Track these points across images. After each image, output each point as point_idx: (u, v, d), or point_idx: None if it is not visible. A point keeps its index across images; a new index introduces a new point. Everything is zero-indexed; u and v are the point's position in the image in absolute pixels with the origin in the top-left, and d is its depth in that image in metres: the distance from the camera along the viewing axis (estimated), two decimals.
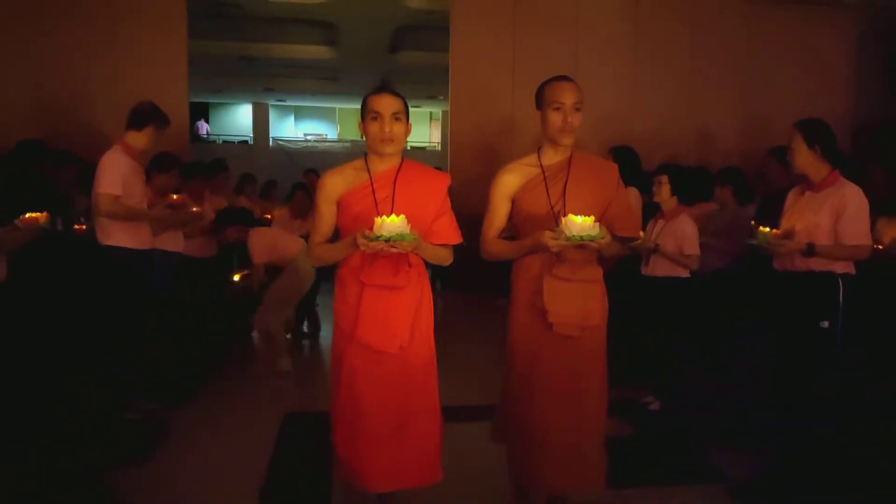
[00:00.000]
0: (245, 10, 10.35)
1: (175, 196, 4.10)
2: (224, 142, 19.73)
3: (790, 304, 2.95)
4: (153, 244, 3.92)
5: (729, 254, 4.18)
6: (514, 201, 2.44)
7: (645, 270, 3.86)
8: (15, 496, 2.73)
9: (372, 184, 2.34)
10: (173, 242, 4.32)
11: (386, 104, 2.29)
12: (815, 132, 2.89)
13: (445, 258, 2.48)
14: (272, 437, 3.46)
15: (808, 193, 2.96)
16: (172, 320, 4.24)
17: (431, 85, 14.60)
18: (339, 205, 2.36)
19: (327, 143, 19.86)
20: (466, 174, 6.64)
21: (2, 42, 6.03)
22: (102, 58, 6.35)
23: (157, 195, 4.12)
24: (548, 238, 2.20)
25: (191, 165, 5.04)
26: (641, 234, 3.68)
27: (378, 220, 2.13)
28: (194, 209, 4.53)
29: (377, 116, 2.29)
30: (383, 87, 2.35)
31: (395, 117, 2.30)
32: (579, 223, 2.15)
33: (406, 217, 2.17)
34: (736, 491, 2.88)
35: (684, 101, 7.66)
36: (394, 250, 2.14)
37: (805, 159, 2.90)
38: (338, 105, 20.63)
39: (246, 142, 19.47)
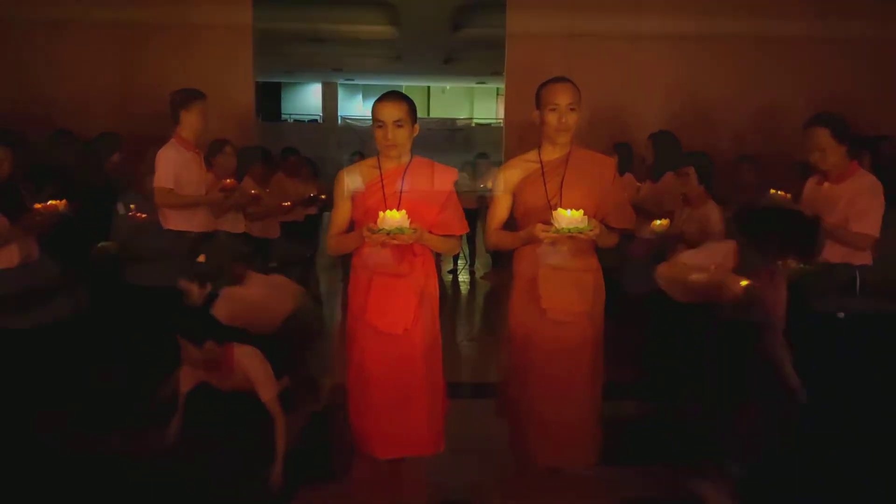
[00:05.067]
0: None
1: (228, 181, 4.30)
2: (295, 121, 20.42)
3: (808, 294, 2.97)
4: (214, 226, 4.19)
5: None
6: (514, 195, 2.59)
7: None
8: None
9: (382, 180, 2.55)
10: (233, 224, 4.64)
11: (388, 113, 2.49)
12: (844, 129, 2.89)
13: (452, 248, 2.69)
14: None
15: (826, 185, 2.98)
16: None
17: (496, 61, 14.56)
18: (354, 199, 2.58)
19: None
20: (520, 152, 6.62)
21: (69, 29, 6.12)
22: (167, 44, 6.40)
23: (218, 178, 4.35)
24: (539, 230, 2.35)
25: (247, 150, 5.18)
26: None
27: (381, 214, 2.34)
28: (252, 192, 4.86)
29: (381, 125, 2.50)
30: (387, 95, 2.55)
31: (397, 124, 2.49)
32: (568, 216, 2.29)
33: (412, 210, 2.39)
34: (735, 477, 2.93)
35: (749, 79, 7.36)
36: (394, 242, 2.35)
37: (837, 157, 2.90)
38: (404, 83, 20.88)
39: (316, 120, 20.07)
